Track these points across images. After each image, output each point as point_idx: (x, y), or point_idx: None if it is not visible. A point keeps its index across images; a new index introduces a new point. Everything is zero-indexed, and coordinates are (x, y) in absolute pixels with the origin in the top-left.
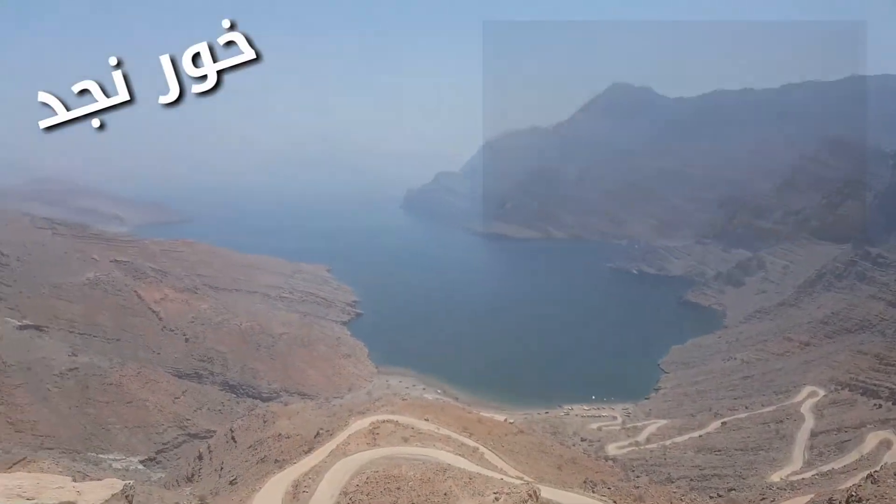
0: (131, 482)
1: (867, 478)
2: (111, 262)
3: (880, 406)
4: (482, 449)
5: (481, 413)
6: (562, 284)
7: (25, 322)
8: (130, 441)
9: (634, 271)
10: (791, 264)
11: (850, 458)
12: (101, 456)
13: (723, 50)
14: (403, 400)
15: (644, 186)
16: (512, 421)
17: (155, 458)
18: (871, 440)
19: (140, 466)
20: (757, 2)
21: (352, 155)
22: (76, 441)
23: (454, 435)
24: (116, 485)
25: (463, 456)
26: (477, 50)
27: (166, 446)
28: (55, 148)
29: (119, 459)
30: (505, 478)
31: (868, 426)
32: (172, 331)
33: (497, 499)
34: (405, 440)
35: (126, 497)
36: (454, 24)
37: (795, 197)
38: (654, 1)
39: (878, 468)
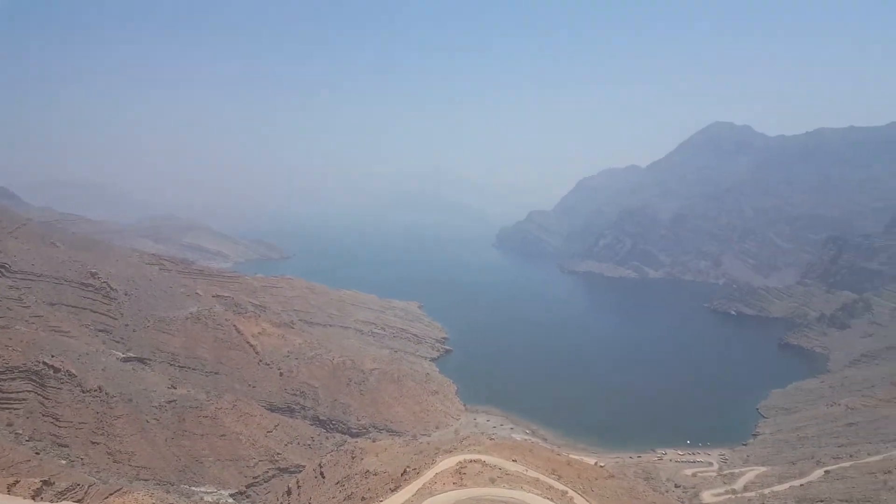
0: None
1: None
2: (213, 296)
3: None
4: (571, 493)
5: (571, 455)
6: (657, 324)
7: (129, 354)
8: (222, 474)
9: (733, 312)
10: None
11: None
12: (193, 488)
13: (826, 87)
14: (491, 439)
15: (743, 226)
16: (602, 464)
17: (245, 492)
18: None
19: (230, 500)
20: (859, 39)
21: (448, 190)
22: (170, 473)
23: (542, 477)
24: None
25: (551, 500)
26: (575, 86)
27: (257, 480)
28: (172, 186)
29: (210, 492)
30: None
31: None
32: (268, 364)
33: None
34: (492, 481)
35: None
36: (553, 61)
37: None
38: (754, 39)
39: None
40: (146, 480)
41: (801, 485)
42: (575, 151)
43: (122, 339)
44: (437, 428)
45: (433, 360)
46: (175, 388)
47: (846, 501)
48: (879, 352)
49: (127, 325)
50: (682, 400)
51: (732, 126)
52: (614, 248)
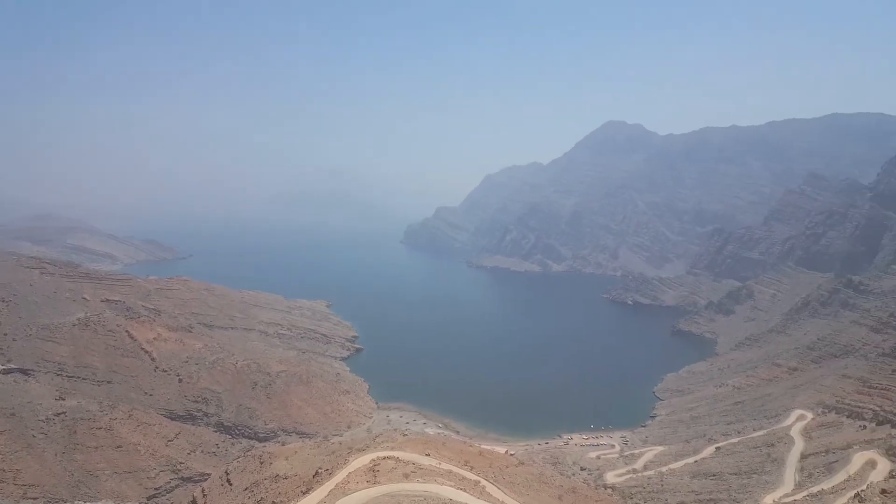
0: None
1: (854, 497)
2: (102, 301)
3: (865, 427)
4: (483, 482)
5: (482, 446)
6: (560, 316)
7: (10, 365)
8: (120, 487)
9: (629, 302)
10: (778, 293)
11: (838, 478)
12: None
13: (711, 88)
14: (404, 435)
15: (637, 220)
16: (513, 453)
17: None
18: (858, 460)
19: None
20: (741, 43)
21: (351, 188)
22: (62, 489)
23: (455, 469)
24: None
25: (465, 490)
26: (477, 86)
27: (158, 492)
28: (51, 184)
29: None
30: None
31: (854, 447)
32: (165, 371)
33: None
34: (406, 476)
35: None
36: (457, 64)
37: (780, 228)
38: (646, 39)
39: (864, 487)
40: (35, 499)
41: (696, 461)
42: (480, 149)
43: (0, 349)
44: (349, 427)
45: (343, 359)
46: (64, 400)
47: (735, 474)
48: (761, 335)
49: (6, 333)
50: (585, 387)
51: (625, 125)
52: (519, 242)
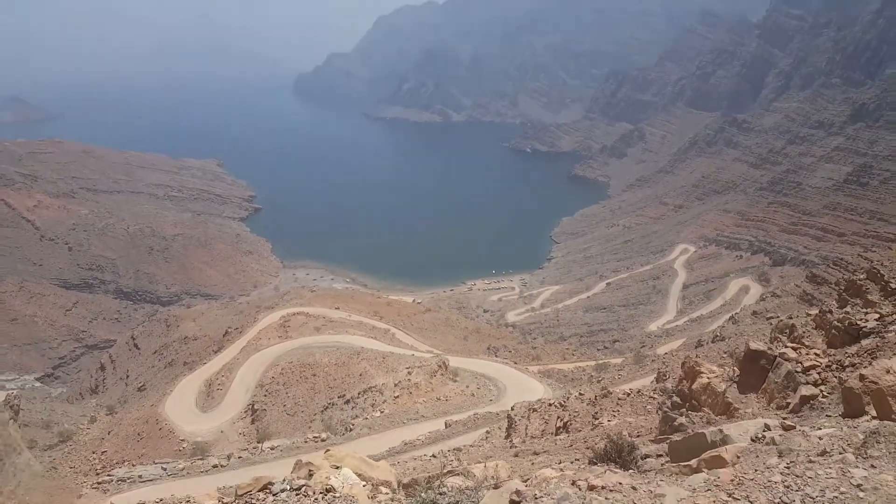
0: (14, 391)
1: (729, 319)
2: None
3: (741, 257)
4: (393, 330)
5: (390, 297)
6: (460, 166)
7: None
8: (22, 360)
9: (528, 150)
10: (668, 134)
11: (715, 304)
12: None
13: None
14: (312, 292)
15: (535, 63)
16: (419, 301)
17: (53, 374)
18: (733, 287)
19: (37, 384)
20: None
21: (234, 38)
22: None
23: (365, 320)
24: None
25: (375, 338)
26: None
27: (63, 360)
28: None
29: (12, 379)
30: (416, 353)
31: (731, 275)
32: (52, 240)
33: (410, 372)
34: (317, 330)
35: (11, 408)
36: None
37: (673, 69)
38: None
39: (738, 310)
40: None
41: (588, 297)
42: None
43: None
44: (255, 287)
45: (242, 220)
46: None
47: (624, 306)
48: (650, 176)
49: None
50: (487, 234)
51: None
52: (418, 91)
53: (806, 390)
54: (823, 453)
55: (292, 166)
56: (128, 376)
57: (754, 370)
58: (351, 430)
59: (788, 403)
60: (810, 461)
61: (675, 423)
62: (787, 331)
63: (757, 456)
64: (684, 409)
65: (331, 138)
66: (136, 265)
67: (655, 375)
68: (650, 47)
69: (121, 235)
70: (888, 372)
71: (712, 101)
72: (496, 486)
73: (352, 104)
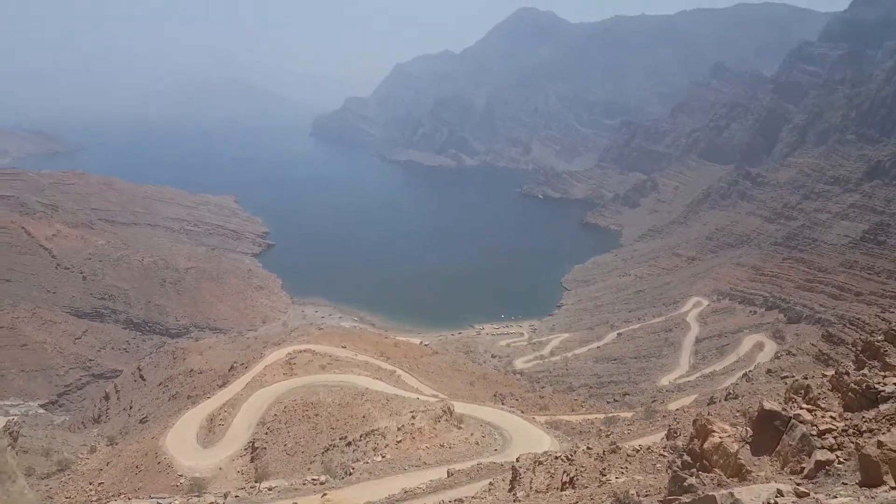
0: (15, 418)
1: (743, 377)
2: None
3: (755, 312)
4: (399, 371)
5: (397, 337)
6: (472, 210)
7: None
8: (29, 386)
9: (540, 196)
10: (681, 185)
11: (728, 360)
12: None
13: None
14: (320, 329)
15: (548, 112)
16: (427, 343)
17: (57, 402)
18: (747, 343)
19: (41, 410)
20: None
21: (257, 79)
22: None
23: (371, 360)
24: None
25: (380, 379)
26: None
27: (69, 388)
28: None
29: (17, 405)
30: (421, 397)
31: (744, 331)
32: (68, 269)
33: (414, 416)
34: (323, 368)
35: (10, 434)
36: None
37: (686, 121)
38: None
39: (751, 368)
40: None
41: (598, 347)
42: (388, 36)
43: None
44: (263, 323)
45: (255, 255)
46: None
47: (635, 358)
48: (664, 226)
49: None
50: (497, 278)
51: (537, 12)
52: (432, 136)
53: (821, 455)
54: None
55: (307, 204)
56: (131, 407)
57: (768, 431)
58: (351, 473)
59: (803, 468)
60: None
61: (685, 483)
62: (803, 391)
63: None
64: (695, 470)
65: (345, 179)
66: (147, 296)
67: (666, 432)
68: (663, 99)
69: (135, 267)
70: None
71: (726, 153)
72: None
73: (367, 147)
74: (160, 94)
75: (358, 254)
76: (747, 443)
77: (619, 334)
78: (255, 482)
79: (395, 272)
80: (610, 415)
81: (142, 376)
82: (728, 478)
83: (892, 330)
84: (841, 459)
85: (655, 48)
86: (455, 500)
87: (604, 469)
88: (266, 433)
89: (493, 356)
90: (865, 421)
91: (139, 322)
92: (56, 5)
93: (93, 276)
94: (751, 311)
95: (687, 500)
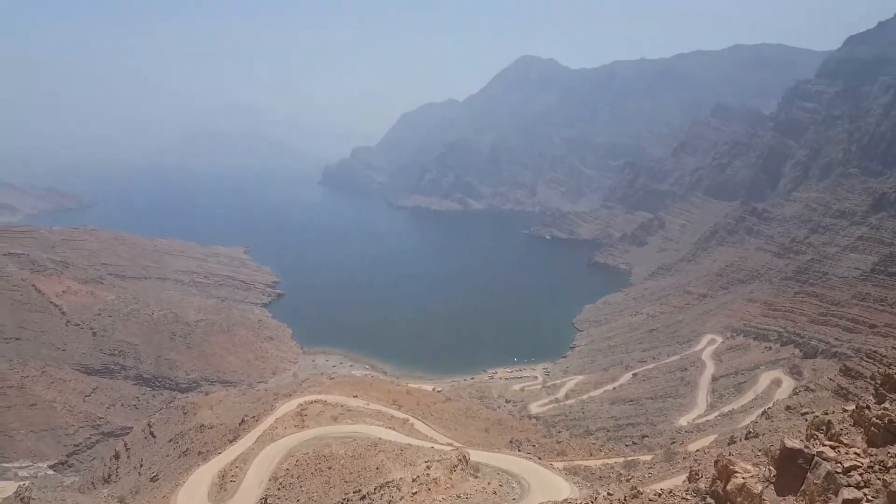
0: (27, 483)
1: (762, 414)
2: (4, 255)
3: (770, 348)
4: (412, 420)
5: (409, 384)
6: (480, 254)
7: None
8: (38, 446)
9: (547, 237)
10: (688, 223)
11: (746, 397)
12: (4, 465)
13: (621, 21)
14: (331, 379)
15: (553, 155)
16: (439, 390)
17: (67, 462)
18: (764, 380)
19: (50, 472)
20: None
21: (266, 129)
22: None
23: (384, 409)
24: (8, 488)
25: (393, 429)
26: (391, 22)
27: (79, 448)
28: None
29: (25, 467)
30: (435, 446)
31: (761, 367)
32: (78, 325)
33: (429, 467)
34: (334, 419)
35: (21, 499)
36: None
37: (689, 160)
38: None
39: (770, 405)
40: None
41: (614, 388)
42: (394, 86)
43: None
44: (274, 374)
45: (265, 305)
46: None
47: (652, 398)
48: (672, 264)
49: None
50: (508, 322)
51: (539, 60)
52: (439, 182)
53: (849, 493)
54: None
55: (316, 252)
56: (142, 465)
57: (791, 470)
58: None
59: None
60: None
61: None
62: (824, 428)
63: None
64: None
65: (353, 225)
66: (157, 351)
67: (688, 474)
68: (664, 139)
69: (145, 321)
70: None
71: (730, 190)
72: None
73: (374, 193)
74: (174, 145)
75: (368, 300)
76: (771, 483)
77: (634, 375)
78: None
79: (406, 318)
80: (629, 458)
81: (152, 433)
82: None
83: None
84: (869, 497)
85: (655, 90)
86: None
87: None
88: (278, 488)
89: (507, 401)
90: (891, 456)
91: (149, 377)
92: (74, 58)
93: (103, 331)
94: (766, 347)
95: None
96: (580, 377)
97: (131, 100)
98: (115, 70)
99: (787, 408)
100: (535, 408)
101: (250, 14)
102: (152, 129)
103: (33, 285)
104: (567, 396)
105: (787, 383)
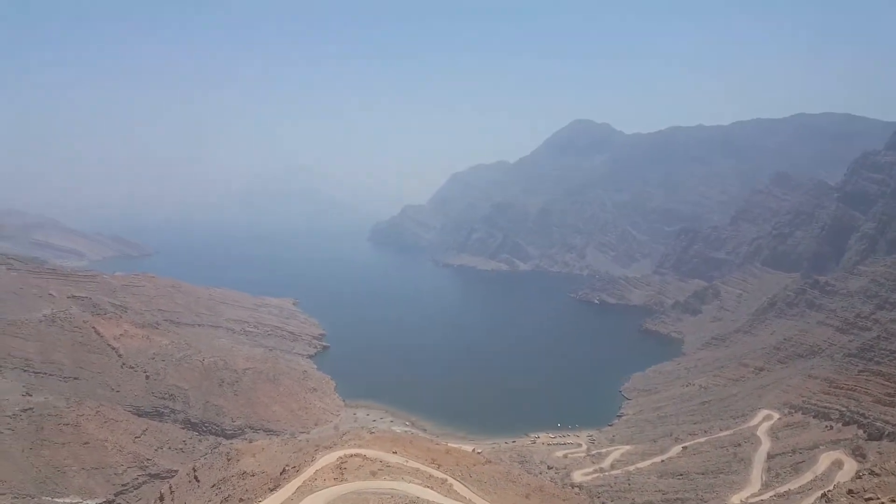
0: None
1: (821, 497)
2: (69, 297)
3: (831, 427)
4: (451, 480)
5: (449, 444)
6: (527, 315)
7: None
8: (88, 483)
9: (596, 301)
10: (745, 293)
11: (805, 478)
12: (56, 500)
13: (678, 87)
14: (371, 433)
15: (604, 219)
16: (480, 451)
17: (114, 501)
18: (824, 461)
19: None
20: (709, 42)
21: (323, 187)
22: (29, 485)
23: (423, 467)
24: None
25: (432, 488)
26: (445, 83)
27: (126, 488)
28: (14, 179)
29: (75, 503)
30: None
31: (820, 447)
32: (132, 368)
33: None
34: (373, 474)
35: None
36: (423, 58)
37: (747, 228)
38: (616, 40)
39: (831, 488)
40: (2, 495)
41: (662, 460)
42: (447, 149)
43: None
44: (316, 425)
45: (310, 357)
46: (31, 396)
47: (702, 473)
48: (728, 335)
49: None
50: (552, 385)
51: (592, 124)
52: (486, 241)
53: None
54: None
55: (362, 307)
56: None
57: None
58: None
59: None
60: None
61: None
62: None
63: None
64: None
65: (399, 282)
66: (206, 396)
67: None
68: (721, 207)
69: (196, 367)
70: None
71: (790, 261)
72: None
73: (421, 251)
74: (235, 201)
75: (412, 356)
76: None
77: (684, 448)
78: None
79: (449, 375)
80: None
81: (196, 477)
82: None
83: None
84: None
85: (712, 157)
86: None
87: None
88: None
89: (549, 467)
90: None
91: (196, 422)
92: (146, 118)
93: (155, 375)
94: (826, 427)
95: None
96: (627, 447)
97: (200, 160)
98: (188, 134)
99: (850, 492)
100: (578, 476)
101: (310, 83)
102: (217, 186)
103: (93, 328)
104: (612, 466)
105: (849, 465)
